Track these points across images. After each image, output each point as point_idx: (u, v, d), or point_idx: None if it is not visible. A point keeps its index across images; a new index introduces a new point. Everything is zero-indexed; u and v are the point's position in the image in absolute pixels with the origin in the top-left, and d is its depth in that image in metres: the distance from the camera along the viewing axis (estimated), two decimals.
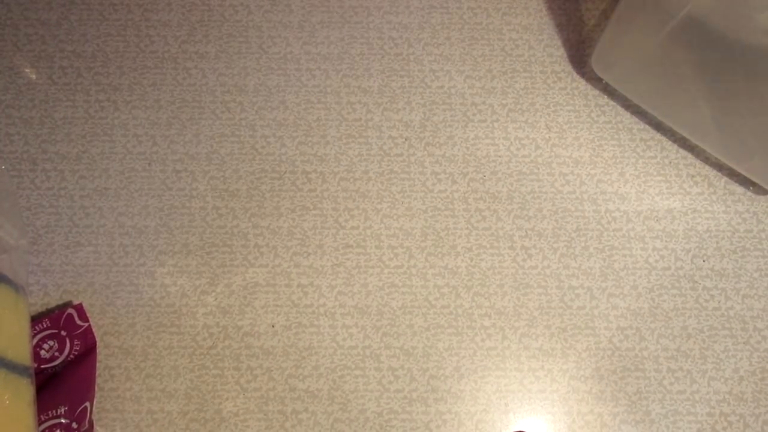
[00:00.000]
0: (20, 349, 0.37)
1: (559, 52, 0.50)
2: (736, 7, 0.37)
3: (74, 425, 0.38)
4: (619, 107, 0.48)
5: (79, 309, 0.42)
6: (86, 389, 0.40)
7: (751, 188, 0.46)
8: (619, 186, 0.46)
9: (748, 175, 0.46)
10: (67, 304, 0.43)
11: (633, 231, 0.45)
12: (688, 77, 0.43)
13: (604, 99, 0.49)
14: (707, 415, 0.42)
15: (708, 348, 0.43)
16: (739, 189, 0.47)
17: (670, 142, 0.48)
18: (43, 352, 0.41)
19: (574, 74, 0.49)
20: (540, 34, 0.50)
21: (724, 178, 0.47)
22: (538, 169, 0.47)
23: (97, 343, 0.42)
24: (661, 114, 0.47)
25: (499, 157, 0.47)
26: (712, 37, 0.39)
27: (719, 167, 0.47)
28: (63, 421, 0.38)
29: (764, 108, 0.41)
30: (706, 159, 0.47)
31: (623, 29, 0.44)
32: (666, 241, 0.45)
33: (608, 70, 0.47)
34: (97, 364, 0.42)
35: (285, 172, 0.45)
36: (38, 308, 0.43)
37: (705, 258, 0.45)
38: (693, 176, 0.47)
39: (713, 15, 0.38)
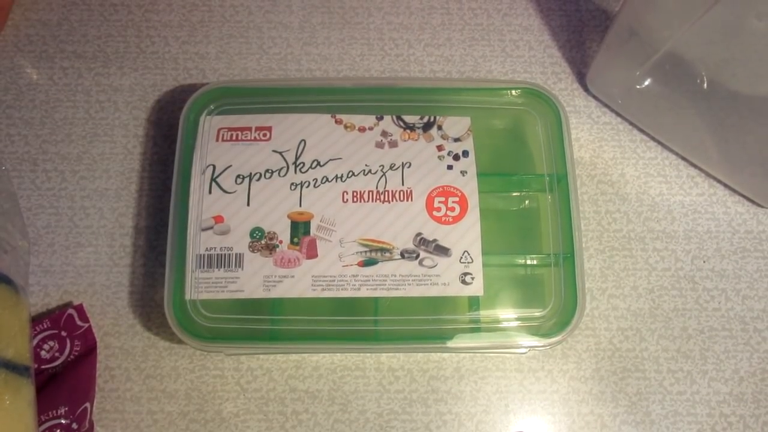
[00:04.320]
0: (20, 349, 0.37)
1: (560, 53, 0.50)
2: (715, 47, 0.38)
3: (74, 426, 0.38)
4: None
5: (80, 309, 0.42)
6: (86, 390, 0.40)
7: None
8: (619, 187, 0.46)
9: (745, 193, 0.46)
10: (68, 305, 0.43)
11: (633, 232, 0.45)
12: (677, 104, 0.44)
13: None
14: (707, 416, 0.42)
15: (708, 349, 0.43)
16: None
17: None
18: (43, 353, 0.41)
19: (575, 75, 0.49)
20: (540, 35, 0.50)
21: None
22: None
23: (97, 344, 0.42)
24: (655, 133, 0.47)
25: None
26: (694, 72, 0.40)
27: None
28: (63, 421, 0.38)
29: (756, 134, 0.42)
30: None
31: (612, 56, 0.45)
32: (666, 242, 0.45)
33: (601, 91, 0.48)
34: (98, 365, 0.42)
35: None
36: (38, 308, 0.43)
37: (705, 259, 0.45)
38: (693, 177, 0.47)
39: (694, 51, 0.39)
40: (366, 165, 0.41)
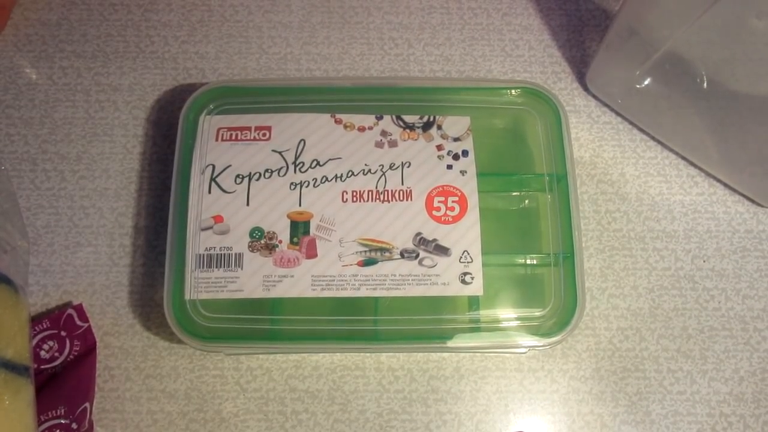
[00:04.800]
0: (20, 349, 0.37)
1: (560, 53, 0.50)
2: (715, 46, 0.38)
3: (74, 426, 0.38)
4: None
5: (79, 309, 0.42)
6: (86, 390, 0.40)
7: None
8: (619, 186, 0.46)
9: (745, 193, 0.46)
10: (67, 305, 0.43)
11: (633, 231, 0.45)
12: (677, 103, 0.44)
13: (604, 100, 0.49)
14: (707, 416, 0.42)
15: (708, 348, 0.43)
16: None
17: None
18: (43, 353, 0.41)
19: (574, 75, 0.49)
20: (540, 34, 0.50)
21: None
22: None
23: (97, 344, 0.42)
24: (655, 132, 0.47)
25: None
26: (694, 71, 0.40)
27: None
28: (63, 421, 0.38)
29: (756, 134, 0.42)
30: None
31: (612, 56, 0.45)
32: (666, 242, 0.45)
33: (601, 90, 0.48)
34: (97, 365, 0.42)
35: None
36: (38, 308, 0.43)
37: (705, 258, 0.45)
38: (693, 177, 0.47)
39: (694, 50, 0.39)
40: (365, 165, 0.41)
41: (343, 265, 0.39)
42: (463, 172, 0.41)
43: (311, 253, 0.39)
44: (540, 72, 0.49)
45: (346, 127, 0.42)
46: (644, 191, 0.46)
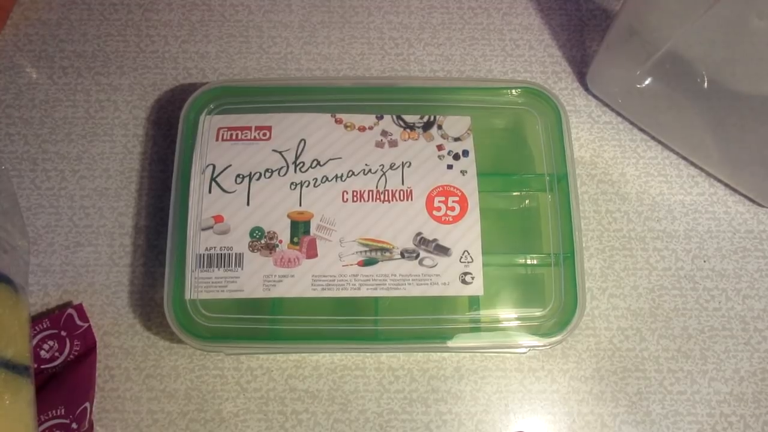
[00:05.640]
0: (20, 349, 0.37)
1: (560, 53, 0.50)
2: (716, 46, 0.38)
3: (74, 425, 0.38)
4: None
5: (79, 309, 0.42)
6: (86, 389, 0.40)
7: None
8: (619, 186, 0.46)
9: (746, 193, 0.46)
10: (67, 305, 0.43)
11: (633, 231, 0.45)
12: (678, 103, 0.44)
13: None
14: (708, 416, 0.42)
15: (708, 348, 0.43)
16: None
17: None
18: (43, 353, 0.41)
19: (575, 74, 0.49)
20: (541, 34, 0.50)
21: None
22: None
23: (97, 343, 0.42)
24: (655, 132, 0.47)
25: None
26: (694, 71, 0.40)
27: None
28: (63, 421, 0.38)
29: (757, 133, 0.42)
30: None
31: (612, 56, 0.45)
32: (666, 242, 0.45)
33: (602, 90, 0.48)
34: (97, 364, 0.42)
35: None
36: (38, 308, 0.43)
37: (706, 258, 0.45)
38: (694, 177, 0.47)
39: (694, 50, 0.39)
40: (366, 164, 0.41)
41: (344, 265, 0.39)
42: (463, 172, 0.41)
43: (311, 253, 0.39)
44: (540, 72, 0.49)
45: (346, 127, 0.42)
46: (645, 191, 0.46)
